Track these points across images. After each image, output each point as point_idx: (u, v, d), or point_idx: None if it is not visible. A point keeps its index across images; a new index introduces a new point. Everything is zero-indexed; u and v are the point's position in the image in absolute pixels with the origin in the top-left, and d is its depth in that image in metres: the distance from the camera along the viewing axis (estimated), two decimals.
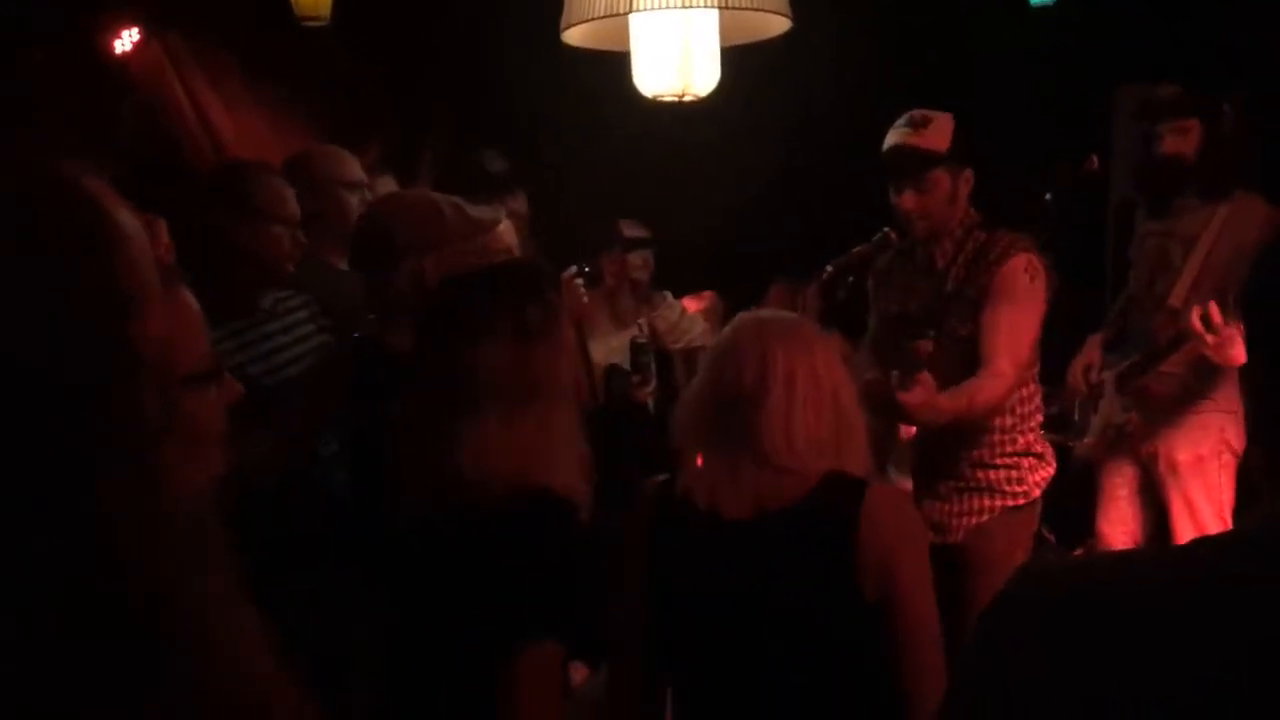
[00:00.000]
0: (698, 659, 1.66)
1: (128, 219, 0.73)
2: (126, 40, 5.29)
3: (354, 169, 3.05)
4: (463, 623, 1.51)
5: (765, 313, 1.84)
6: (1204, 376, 3.07)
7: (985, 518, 2.68)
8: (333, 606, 1.73)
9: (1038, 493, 2.73)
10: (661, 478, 1.75)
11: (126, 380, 0.69)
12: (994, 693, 0.79)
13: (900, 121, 2.70)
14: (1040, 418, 2.79)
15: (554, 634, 1.50)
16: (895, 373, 2.45)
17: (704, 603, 1.64)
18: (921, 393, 2.41)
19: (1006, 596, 0.82)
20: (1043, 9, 4.26)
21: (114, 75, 5.11)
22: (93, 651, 0.63)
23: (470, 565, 1.51)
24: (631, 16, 2.16)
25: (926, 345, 2.45)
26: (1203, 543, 0.81)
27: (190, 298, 1.16)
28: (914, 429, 2.66)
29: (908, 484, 2.80)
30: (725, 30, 2.22)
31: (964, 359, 2.58)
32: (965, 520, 2.69)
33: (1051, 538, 3.79)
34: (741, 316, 1.81)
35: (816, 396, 1.67)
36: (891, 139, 2.70)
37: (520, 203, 3.51)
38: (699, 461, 1.68)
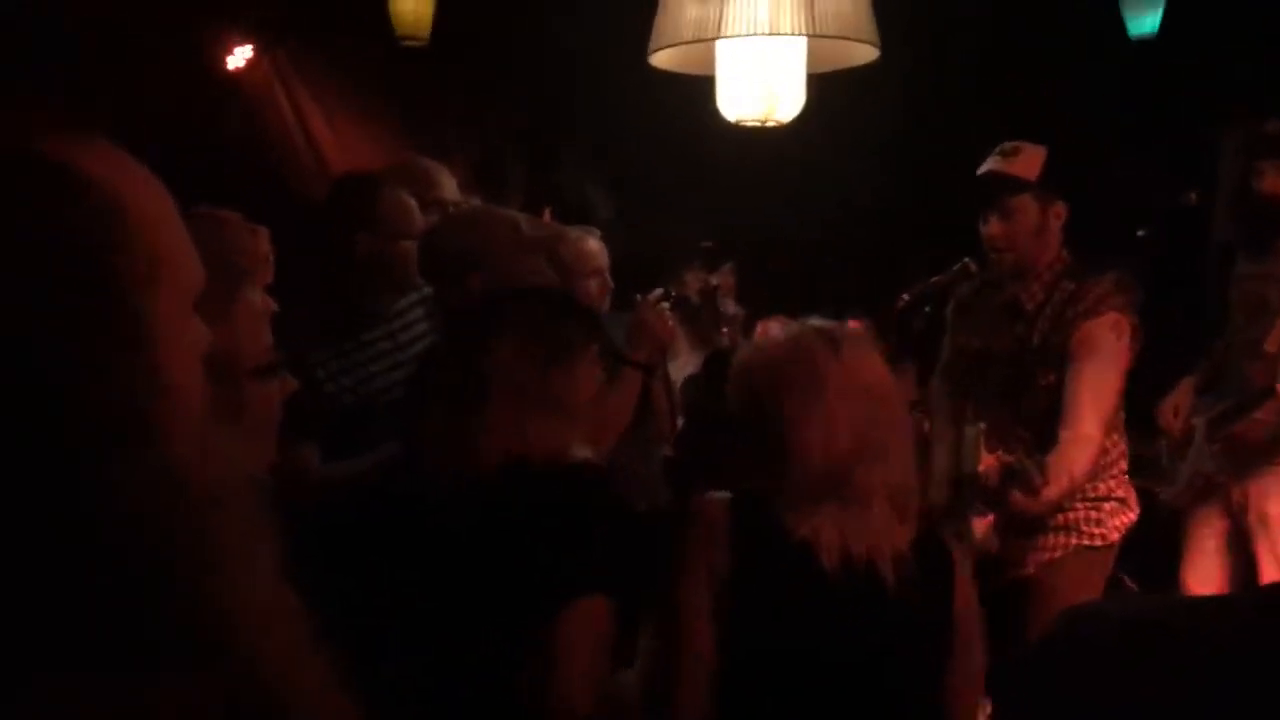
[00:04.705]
0: (769, 705, 1.58)
1: (140, 198, 0.70)
2: (239, 56, 5.52)
3: (448, 184, 3.11)
4: (508, 583, 1.55)
5: (799, 327, 1.75)
6: None
7: (1058, 553, 2.65)
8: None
9: (1116, 536, 2.68)
10: (729, 495, 1.65)
11: (115, 358, 0.66)
12: None
13: (992, 152, 2.70)
14: (1124, 464, 2.74)
15: (603, 589, 1.54)
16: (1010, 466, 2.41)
17: (791, 651, 1.57)
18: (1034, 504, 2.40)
19: (1052, 638, 0.80)
20: (1144, 40, 4.16)
21: (218, 85, 5.31)
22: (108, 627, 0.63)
23: (514, 527, 1.56)
24: (718, 42, 2.18)
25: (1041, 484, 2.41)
26: (1261, 591, 0.78)
27: (254, 296, 1.22)
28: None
29: (988, 520, 2.76)
30: (812, 57, 2.23)
31: (1050, 404, 2.57)
32: (1038, 555, 2.65)
33: (1133, 586, 3.67)
34: (775, 334, 1.76)
35: (870, 410, 1.62)
36: (982, 168, 2.69)
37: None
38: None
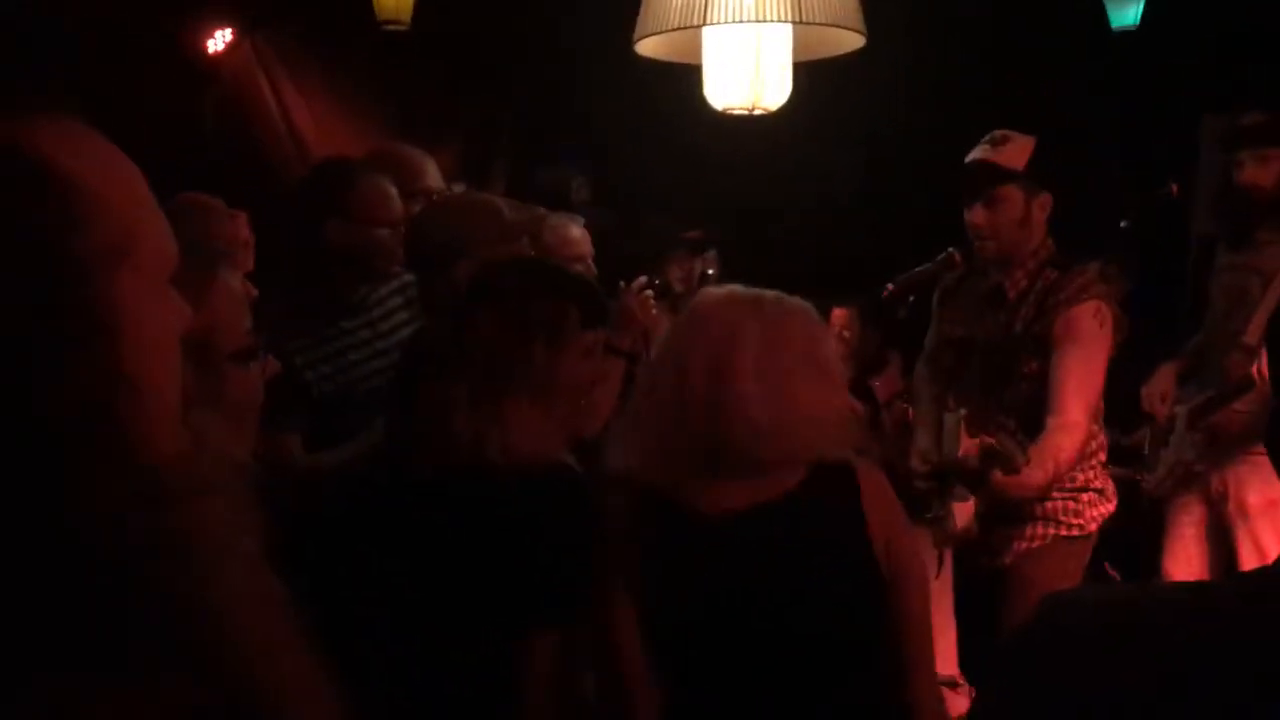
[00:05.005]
0: (704, 662, 1.57)
1: (102, 175, 0.68)
2: (219, 40, 5.46)
3: (432, 173, 3.08)
4: (489, 582, 1.53)
5: (727, 290, 1.70)
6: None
7: (1036, 543, 2.66)
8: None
9: (1094, 528, 2.69)
10: (621, 478, 1.63)
11: (82, 347, 0.64)
12: None
13: (982, 140, 2.70)
14: (1103, 456, 2.76)
15: (572, 614, 1.52)
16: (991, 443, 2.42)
17: (709, 603, 1.56)
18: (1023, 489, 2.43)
19: (1032, 626, 0.80)
20: (1126, 32, 4.17)
21: (198, 69, 5.27)
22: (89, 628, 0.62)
23: (491, 530, 1.53)
24: (704, 29, 2.17)
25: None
26: (1242, 578, 0.79)
27: (232, 280, 1.21)
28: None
29: (969, 507, 2.77)
30: (798, 45, 2.23)
31: (1033, 392, 2.59)
32: (1017, 544, 2.66)
33: (1115, 574, 3.70)
34: (703, 296, 1.70)
35: (792, 377, 1.56)
36: (970, 156, 2.70)
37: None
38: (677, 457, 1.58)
